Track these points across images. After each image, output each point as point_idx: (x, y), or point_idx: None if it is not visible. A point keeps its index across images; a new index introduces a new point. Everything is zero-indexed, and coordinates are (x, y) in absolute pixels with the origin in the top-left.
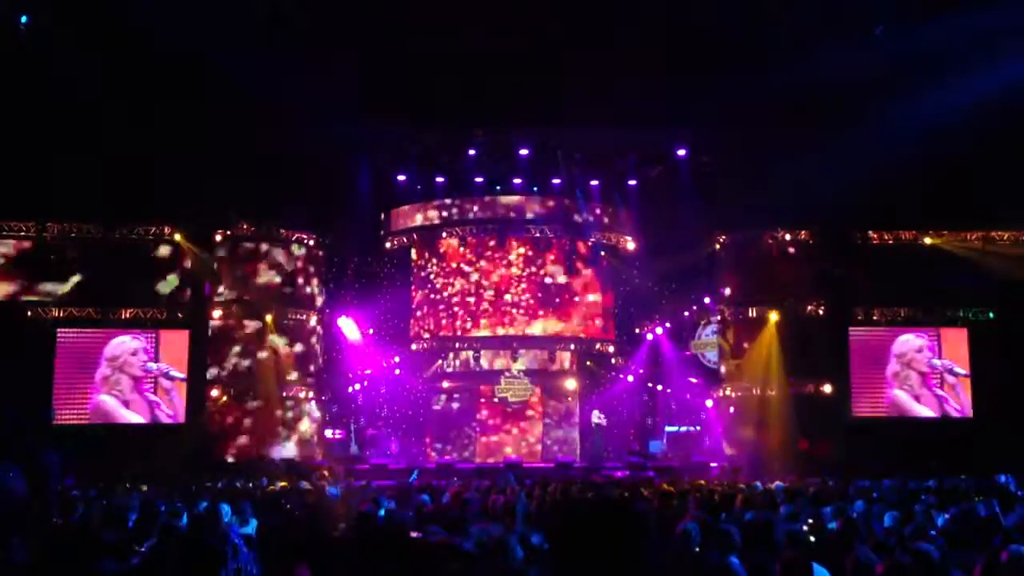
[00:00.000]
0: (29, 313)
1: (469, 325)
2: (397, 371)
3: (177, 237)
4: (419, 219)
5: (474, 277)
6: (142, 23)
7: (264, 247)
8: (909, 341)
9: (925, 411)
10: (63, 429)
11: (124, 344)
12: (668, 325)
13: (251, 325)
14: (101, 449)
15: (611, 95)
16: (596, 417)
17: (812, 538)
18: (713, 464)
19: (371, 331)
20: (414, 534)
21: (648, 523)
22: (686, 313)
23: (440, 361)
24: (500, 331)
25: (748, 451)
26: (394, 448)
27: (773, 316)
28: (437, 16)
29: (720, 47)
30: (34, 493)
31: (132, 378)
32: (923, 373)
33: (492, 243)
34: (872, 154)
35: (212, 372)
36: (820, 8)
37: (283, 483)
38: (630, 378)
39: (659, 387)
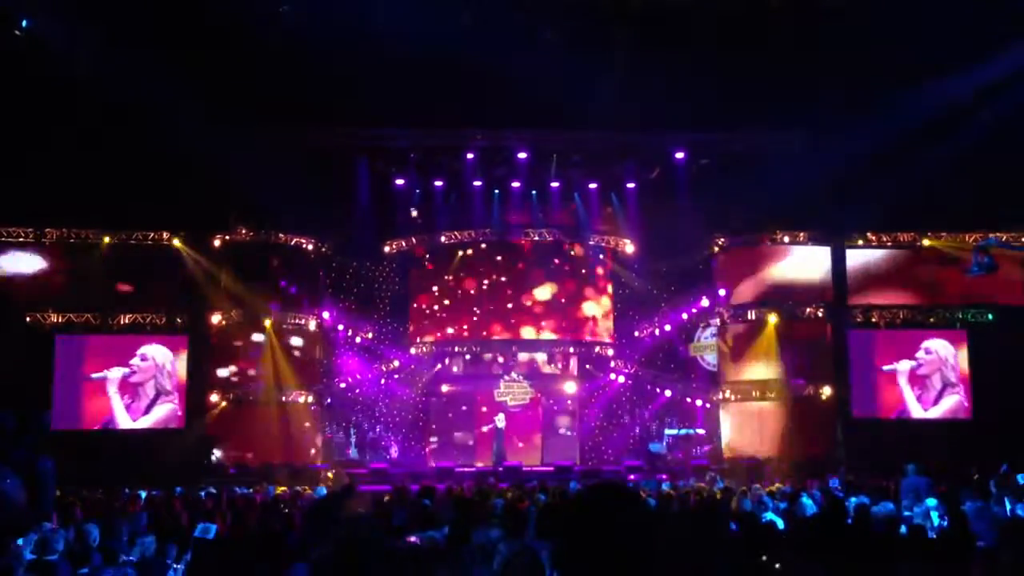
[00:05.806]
0: (28, 319)
1: (468, 328)
2: (396, 376)
3: (176, 242)
4: (418, 224)
5: (472, 280)
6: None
7: (263, 251)
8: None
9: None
10: (60, 436)
11: None
12: (667, 327)
13: (250, 330)
14: (100, 455)
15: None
16: (499, 421)
17: None
18: (713, 466)
19: (371, 335)
20: (412, 539)
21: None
22: (685, 315)
23: (439, 365)
24: (499, 334)
25: (747, 453)
26: (394, 452)
27: (772, 318)
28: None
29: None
30: (32, 501)
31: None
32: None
33: (490, 247)
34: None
35: (211, 377)
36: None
37: (283, 488)
38: (630, 381)
39: (658, 389)
